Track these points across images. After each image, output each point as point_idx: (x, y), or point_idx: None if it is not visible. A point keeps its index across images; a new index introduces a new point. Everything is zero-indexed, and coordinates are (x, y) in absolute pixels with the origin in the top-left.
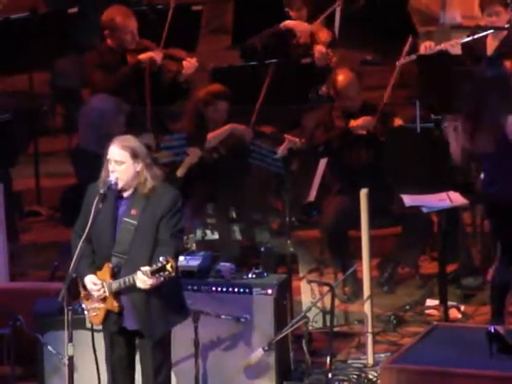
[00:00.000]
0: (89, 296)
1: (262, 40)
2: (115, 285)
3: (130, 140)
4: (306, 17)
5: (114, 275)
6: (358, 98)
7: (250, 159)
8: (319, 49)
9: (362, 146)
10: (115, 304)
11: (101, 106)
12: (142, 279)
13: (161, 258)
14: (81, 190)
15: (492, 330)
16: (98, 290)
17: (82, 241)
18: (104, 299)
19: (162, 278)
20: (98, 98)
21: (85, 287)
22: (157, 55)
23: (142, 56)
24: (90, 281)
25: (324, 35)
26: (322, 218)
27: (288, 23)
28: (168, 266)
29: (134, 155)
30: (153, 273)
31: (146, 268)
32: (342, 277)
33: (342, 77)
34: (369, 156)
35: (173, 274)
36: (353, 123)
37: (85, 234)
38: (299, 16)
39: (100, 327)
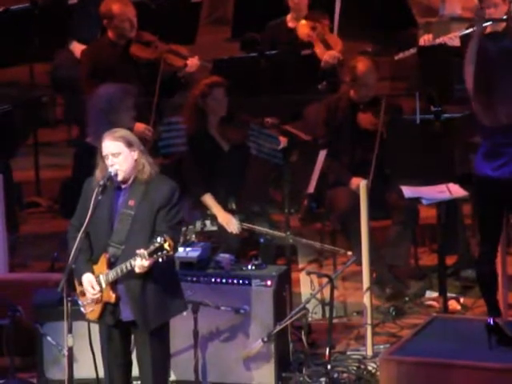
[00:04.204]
0: (85, 292)
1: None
2: (112, 274)
3: (121, 131)
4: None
5: (111, 266)
6: (374, 88)
7: (250, 143)
8: (333, 54)
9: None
10: (112, 294)
11: (106, 92)
12: (140, 264)
13: (158, 238)
14: (79, 184)
15: (491, 322)
16: (94, 294)
17: (81, 231)
18: (100, 297)
19: (161, 259)
20: (103, 87)
21: (81, 283)
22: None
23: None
24: (88, 281)
25: (336, 42)
26: (333, 206)
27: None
28: (166, 245)
29: (129, 144)
30: (150, 254)
31: (142, 250)
32: (341, 268)
33: (361, 64)
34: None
35: (171, 253)
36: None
37: (84, 225)
38: (298, 2)
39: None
